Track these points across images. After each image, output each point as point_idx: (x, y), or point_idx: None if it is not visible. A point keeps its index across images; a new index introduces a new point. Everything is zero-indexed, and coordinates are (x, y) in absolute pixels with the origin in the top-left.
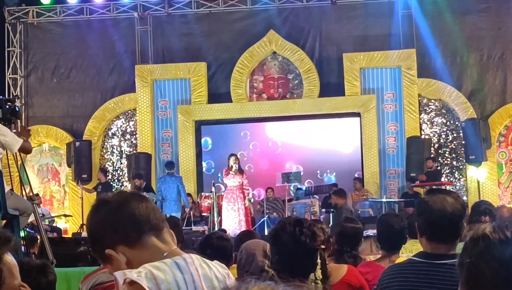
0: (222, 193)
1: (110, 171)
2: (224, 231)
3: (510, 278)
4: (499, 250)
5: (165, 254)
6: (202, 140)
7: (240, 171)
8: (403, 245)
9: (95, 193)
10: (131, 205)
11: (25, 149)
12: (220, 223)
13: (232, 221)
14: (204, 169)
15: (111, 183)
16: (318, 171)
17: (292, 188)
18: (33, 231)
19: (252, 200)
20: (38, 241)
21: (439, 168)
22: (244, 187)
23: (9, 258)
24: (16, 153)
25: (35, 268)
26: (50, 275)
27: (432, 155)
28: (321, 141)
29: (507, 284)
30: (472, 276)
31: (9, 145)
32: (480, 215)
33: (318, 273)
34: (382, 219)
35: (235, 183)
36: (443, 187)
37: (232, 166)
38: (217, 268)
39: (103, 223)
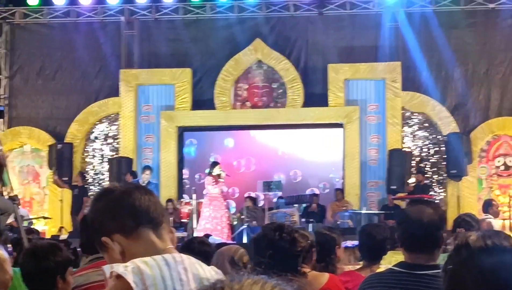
0: (202, 200)
1: (91, 174)
2: (208, 235)
3: (490, 286)
4: (480, 258)
5: (159, 251)
6: (187, 141)
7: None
8: (383, 256)
9: (66, 189)
10: (133, 195)
11: None
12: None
13: (214, 228)
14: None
15: (87, 187)
16: (321, 185)
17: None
18: (11, 233)
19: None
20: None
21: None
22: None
23: (0, 252)
24: None
25: (40, 249)
26: (58, 256)
27: (421, 169)
28: (303, 150)
29: None
30: (454, 284)
31: None
32: (456, 227)
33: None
34: (364, 229)
35: (219, 190)
36: None
37: (219, 174)
38: (210, 273)
39: (103, 210)
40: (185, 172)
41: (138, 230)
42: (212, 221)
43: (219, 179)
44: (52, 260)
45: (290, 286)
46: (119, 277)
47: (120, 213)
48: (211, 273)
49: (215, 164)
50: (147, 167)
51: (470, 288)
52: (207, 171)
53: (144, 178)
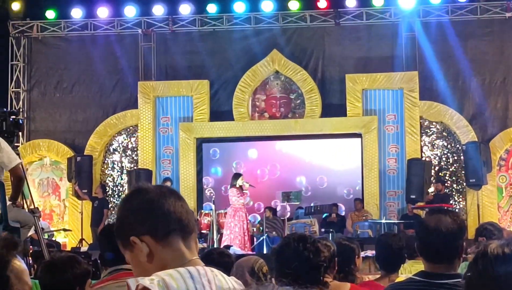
0: (222, 211)
1: (111, 186)
2: (229, 247)
3: None
4: (496, 266)
5: (186, 262)
6: (211, 150)
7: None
8: (402, 265)
9: (86, 200)
10: (168, 200)
11: (17, 174)
12: (220, 240)
13: (236, 239)
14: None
15: (107, 199)
16: (345, 191)
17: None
18: (32, 246)
19: (252, 220)
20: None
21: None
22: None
23: (18, 263)
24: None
25: (59, 262)
26: (76, 269)
27: (440, 179)
28: (322, 160)
29: None
30: None
31: (2, 162)
32: (478, 236)
33: None
34: (380, 239)
35: (241, 201)
36: None
37: (244, 185)
38: (232, 284)
39: (137, 210)
40: (209, 185)
41: (169, 236)
42: (236, 232)
43: (243, 191)
44: (70, 272)
45: None
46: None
47: (155, 215)
48: (233, 284)
49: (237, 175)
50: (167, 179)
51: None
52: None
53: None
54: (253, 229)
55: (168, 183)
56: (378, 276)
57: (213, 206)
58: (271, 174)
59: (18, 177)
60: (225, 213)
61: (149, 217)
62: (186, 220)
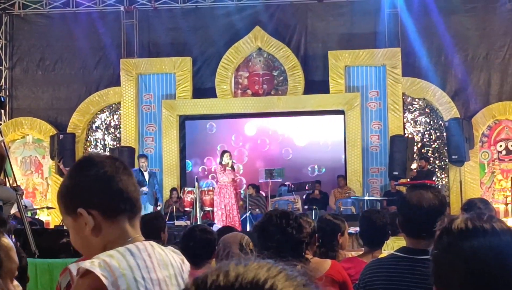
0: (205, 189)
1: None
2: (212, 224)
3: (470, 271)
4: (458, 243)
5: (129, 239)
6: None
7: (233, 167)
8: (385, 241)
9: None
10: (122, 177)
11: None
12: (204, 217)
13: (223, 215)
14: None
15: None
16: (309, 168)
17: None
18: (15, 222)
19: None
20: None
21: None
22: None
23: (6, 240)
24: None
25: None
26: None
27: (423, 155)
28: (305, 137)
29: (465, 278)
30: (437, 269)
31: None
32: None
33: (299, 267)
34: (364, 216)
35: (229, 179)
36: None
37: (228, 163)
38: (172, 255)
39: (90, 183)
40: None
41: (118, 215)
42: (222, 209)
43: (227, 168)
44: None
45: (296, 271)
46: (86, 273)
47: (108, 192)
48: (172, 255)
49: (223, 153)
50: (142, 155)
51: (451, 273)
52: (218, 160)
53: (143, 166)
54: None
55: (143, 160)
56: (361, 252)
57: (196, 184)
58: (255, 151)
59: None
60: (209, 191)
61: (102, 193)
62: (135, 200)
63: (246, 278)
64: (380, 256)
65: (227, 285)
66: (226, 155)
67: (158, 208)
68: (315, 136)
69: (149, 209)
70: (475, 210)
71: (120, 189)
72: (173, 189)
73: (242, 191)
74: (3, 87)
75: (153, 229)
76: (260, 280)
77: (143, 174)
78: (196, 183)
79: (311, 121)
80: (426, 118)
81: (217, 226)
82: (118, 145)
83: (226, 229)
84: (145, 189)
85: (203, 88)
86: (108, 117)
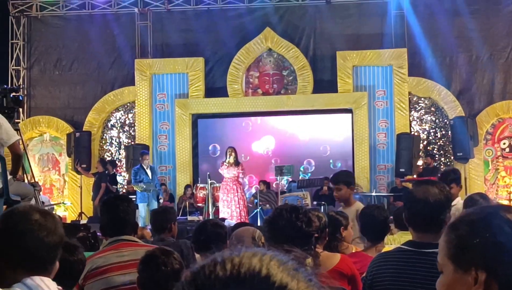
0: (217, 185)
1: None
2: (223, 220)
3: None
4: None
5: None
6: (210, 146)
7: (237, 163)
8: (386, 235)
9: (86, 176)
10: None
11: (15, 151)
12: (216, 213)
13: (227, 212)
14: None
15: (107, 173)
16: (331, 161)
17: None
18: None
19: (248, 193)
20: None
21: (436, 165)
22: (239, 179)
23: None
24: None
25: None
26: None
27: (429, 153)
28: (313, 135)
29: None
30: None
31: (1, 138)
32: (465, 207)
33: (309, 260)
34: (365, 212)
35: (230, 174)
36: None
37: (227, 158)
38: None
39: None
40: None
41: (16, 273)
42: (229, 204)
43: (225, 163)
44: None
45: (286, 257)
46: None
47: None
48: None
49: (227, 148)
50: (144, 152)
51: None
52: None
53: (146, 163)
54: (247, 202)
55: (146, 157)
56: (360, 243)
57: (208, 180)
58: (265, 149)
59: (16, 154)
60: (220, 187)
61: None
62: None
63: (243, 268)
64: (384, 249)
65: (226, 275)
66: (229, 151)
67: (161, 201)
68: (324, 133)
69: (154, 205)
70: (472, 205)
71: (29, 247)
72: (187, 186)
73: (245, 180)
74: (21, 87)
75: (164, 221)
76: (255, 269)
77: (146, 172)
78: (208, 180)
79: (320, 120)
80: (431, 117)
81: (229, 221)
82: (132, 143)
83: (240, 225)
84: (152, 186)
85: (215, 88)
86: (123, 115)
